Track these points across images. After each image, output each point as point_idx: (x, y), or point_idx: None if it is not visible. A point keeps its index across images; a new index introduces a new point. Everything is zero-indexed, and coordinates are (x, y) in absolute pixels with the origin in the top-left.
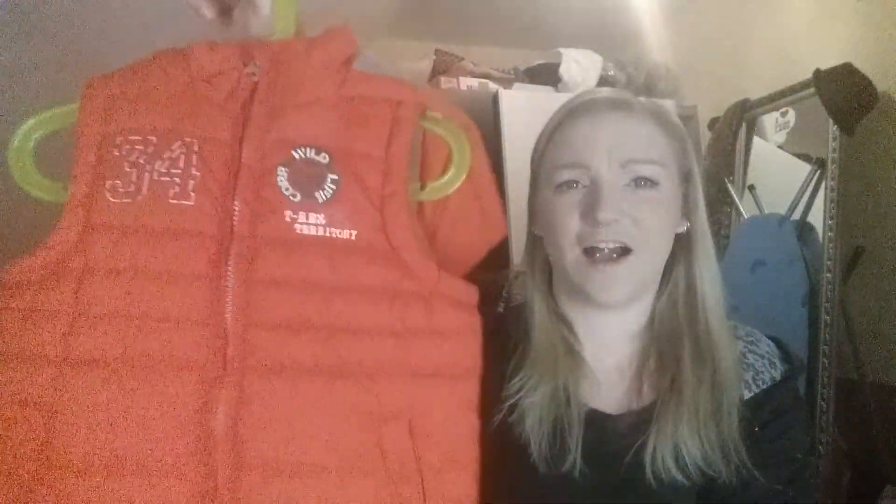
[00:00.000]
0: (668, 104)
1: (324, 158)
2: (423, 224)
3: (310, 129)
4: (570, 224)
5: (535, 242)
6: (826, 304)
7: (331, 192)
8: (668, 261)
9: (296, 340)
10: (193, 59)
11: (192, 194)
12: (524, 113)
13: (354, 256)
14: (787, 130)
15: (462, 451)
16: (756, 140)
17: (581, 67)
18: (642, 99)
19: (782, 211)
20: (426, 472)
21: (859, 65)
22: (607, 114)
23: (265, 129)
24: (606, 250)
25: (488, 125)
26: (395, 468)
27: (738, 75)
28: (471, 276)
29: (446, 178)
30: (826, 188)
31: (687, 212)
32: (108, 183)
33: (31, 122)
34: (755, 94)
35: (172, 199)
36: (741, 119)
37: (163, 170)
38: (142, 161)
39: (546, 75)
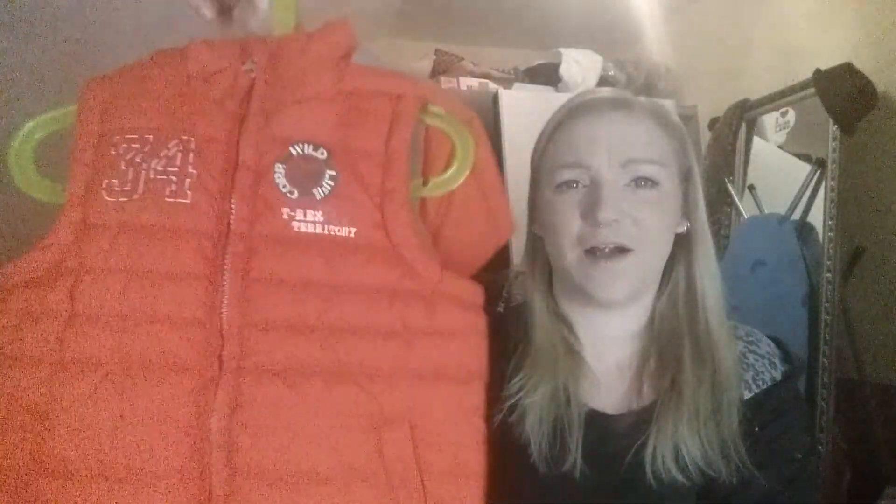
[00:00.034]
0: (668, 104)
1: (322, 154)
2: (426, 223)
3: (308, 125)
4: (570, 224)
5: (535, 242)
6: (826, 304)
7: (329, 188)
8: (668, 261)
9: (293, 341)
10: (191, 58)
11: (189, 192)
12: (524, 113)
13: (353, 254)
14: (787, 130)
15: (467, 457)
16: (756, 140)
17: (581, 67)
18: (642, 99)
19: (782, 211)
20: (428, 479)
21: (859, 65)
22: (607, 114)
23: (262, 125)
24: (607, 250)
25: (488, 125)
26: (396, 475)
27: (738, 75)
28: (471, 276)
29: (449, 173)
30: (826, 188)
31: (687, 212)
32: (105, 182)
33: (31, 123)
34: (755, 94)
35: (168, 197)
36: (741, 119)
37: (159, 168)
38: (138, 160)
39: (546, 75)
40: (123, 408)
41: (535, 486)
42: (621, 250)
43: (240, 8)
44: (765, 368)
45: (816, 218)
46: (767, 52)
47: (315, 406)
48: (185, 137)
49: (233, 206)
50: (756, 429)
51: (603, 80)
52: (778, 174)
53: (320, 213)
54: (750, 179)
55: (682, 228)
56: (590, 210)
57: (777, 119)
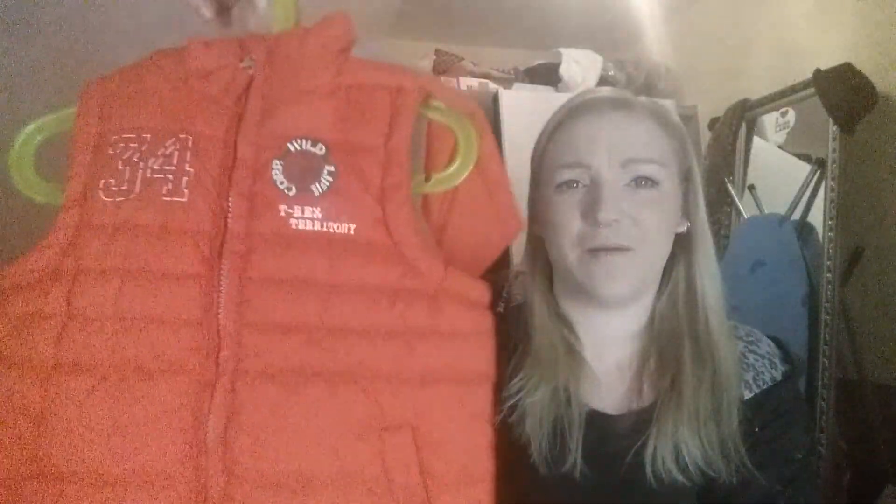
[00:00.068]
0: (668, 104)
1: (320, 150)
2: (429, 221)
3: (305, 121)
4: (570, 224)
5: (536, 242)
6: (826, 304)
7: (327, 184)
8: (668, 261)
9: (291, 342)
10: (189, 57)
11: (185, 191)
12: (524, 113)
13: (353, 252)
14: (787, 130)
15: (473, 463)
16: (756, 140)
17: (581, 67)
18: (642, 99)
19: (782, 211)
20: (433, 487)
21: (859, 65)
22: (608, 113)
23: (260, 122)
24: (608, 250)
25: None
26: (398, 482)
27: (738, 75)
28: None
29: (452, 168)
30: (826, 188)
31: (687, 212)
32: (102, 182)
33: (31, 126)
34: (755, 94)
35: (165, 196)
36: (741, 119)
37: (156, 167)
38: (135, 159)
39: (546, 75)
40: (119, 411)
41: (535, 486)
42: (622, 249)
43: (239, 7)
44: (765, 368)
45: (816, 218)
46: (767, 52)
47: (314, 409)
48: (182, 136)
49: (230, 205)
50: (756, 429)
51: (603, 80)
52: (778, 174)
53: (319, 209)
54: (750, 179)
55: (683, 228)
56: (590, 210)
57: (777, 119)
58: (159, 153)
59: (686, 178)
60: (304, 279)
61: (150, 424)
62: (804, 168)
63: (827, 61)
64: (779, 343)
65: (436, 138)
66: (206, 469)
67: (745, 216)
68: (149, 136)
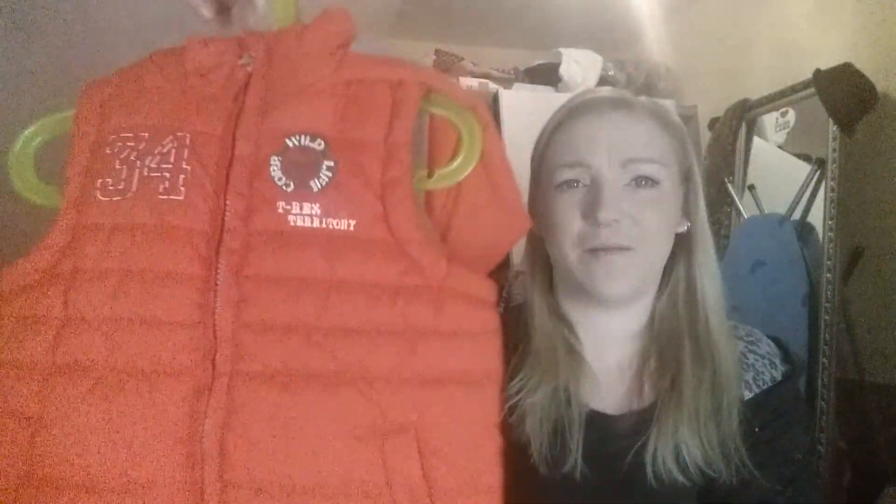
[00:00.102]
0: (668, 104)
1: (319, 145)
2: (433, 218)
3: (304, 116)
4: (570, 224)
5: (536, 242)
6: (826, 304)
7: (326, 179)
8: (668, 260)
9: (289, 343)
10: (188, 55)
11: (182, 189)
12: (524, 113)
13: (353, 249)
14: (787, 130)
15: (480, 470)
16: (756, 140)
17: (581, 67)
18: (642, 98)
19: (782, 211)
20: (438, 495)
21: (859, 65)
22: (608, 113)
23: (259, 119)
24: (608, 250)
25: None
26: (401, 490)
27: (738, 75)
28: None
29: (455, 164)
30: (826, 188)
31: (687, 211)
32: (99, 181)
33: (31, 129)
34: (755, 94)
35: (162, 194)
36: (741, 119)
37: (153, 165)
38: (132, 158)
39: (546, 75)
40: (114, 416)
41: (535, 487)
42: (622, 249)
43: (238, 6)
44: (765, 368)
45: (816, 218)
46: (767, 52)
47: (312, 413)
48: (180, 134)
49: (227, 203)
50: (756, 429)
51: (603, 80)
52: (778, 174)
53: (318, 205)
54: (750, 179)
55: (683, 228)
56: (590, 210)
57: (777, 119)
58: (156, 152)
59: (686, 177)
60: (302, 277)
61: (145, 430)
62: (804, 168)
63: (827, 61)
64: (779, 343)
65: (438, 133)
66: (202, 476)
67: (745, 216)
68: (146, 134)
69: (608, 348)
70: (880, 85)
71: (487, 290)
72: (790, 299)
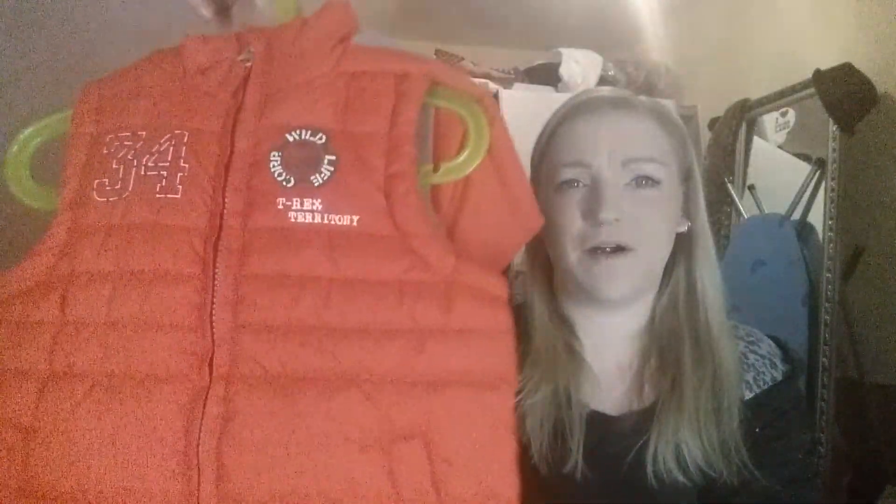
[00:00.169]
0: (668, 104)
1: (320, 139)
2: (439, 214)
3: (305, 111)
4: (571, 223)
5: (536, 242)
6: (826, 304)
7: (328, 174)
8: (668, 260)
9: (289, 344)
10: (187, 53)
11: (180, 187)
12: (524, 113)
13: (356, 245)
14: (787, 130)
15: (494, 478)
16: (756, 140)
17: (581, 67)
18: (643, 98)
19: (782, 211)
20: None
21: (859, 65)
22: (608, 113)
23: (259, 114)
24: (608, 249)
25: None
26: (410, 501)
27: (738, 75)
28: None
29: (462, 157)
30: (826, 188)
31: (687, 211)
32: (96, 182)
33: (27, 131)
34: (755, 94)
35: (159, 193)
36: (741, 119)
37: (150, 164)
38: (129, 157)
39: (546, 75)
40: (108, 424)
41: (536, 487)
42: (622, 249)
43: (238, 6)
44: (765, 369)
45: (816, 218)
46: (767, 52)
47: (313, 418)
48: (177, 132)
49: (226, 200)
50: (757, 429)
51: (603, 80)
52: (778, 174)
53: (319, 200)
54: (750, 179)
55: (683, 228)
56: (591, 209)
57: (777, 119)
58: (154, 150)
59: (686, 177)
60: (302, 275)
61: (139, 438)
62: (804, 168)
63: (827, 61)
64: (779, 343)
65: (444, 127)
66: (198, 486)
67: (745, 216)
68: (144, 133)
69: (608, 348)
70: (880, 85)
71: (499, 287)
72: (790, 299)
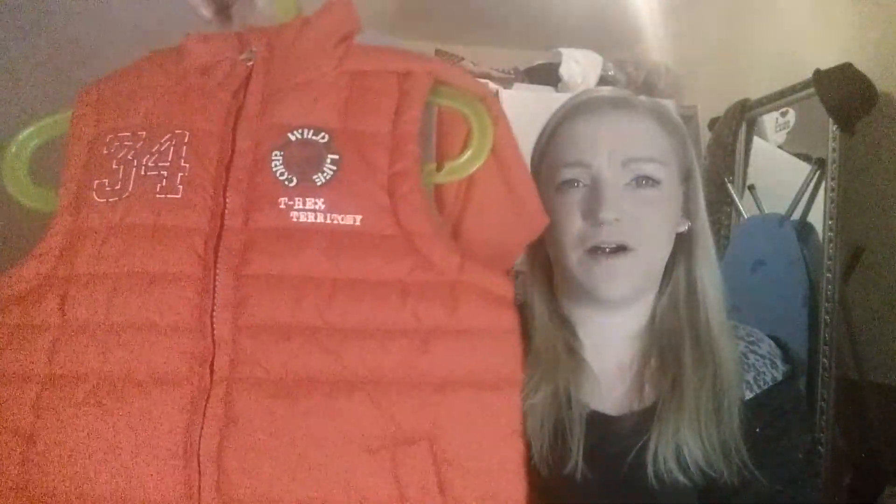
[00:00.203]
0: (668, 104)
1: (322, 138)
2: (443, 214)
3: (308, 110)
4: (571, 224)
5: (536, 242)
6: (826, 304)
7: (331, 173)
8: (668, 260)
9: (291, 346)
10: (187, 53)
11: (180, 187)
12: (524, 113)
13: (359, 244)
14: (787, 130)
15: (500, 481)
16: (756, 140)
17: (581, 67)
18: (643, 98)
19: (782, 211)
20: None
21: (859, 65)
22: (608, 112)
23: (260, 114)
24: (608, 249)
25: None
26: (415, 503)
27: (738, 75)
28: None
29: (466, 157)
30: (826, 188)
31: (687, 211)
32: (96, 182)
33: (26, 132)
34: (755, 94)
35: (159, 193)
36: (741, 119)
37: (150, 164)
38: (129, 157)
39: (546, 75)
40: (108, 428)
41: (536, 488)
42: (622, 249)
43: (238, 6)
44: (766, 369)
45: (816, 218)
46: (767, 52)
47: (316, 421)
48: (178, 132)
49: (227, 200)
50: (757, 429)
51: (603, 80)
52: (778, 174)
53: (321, 200)
54: (750, 179)
55: (683, 228)
56: (591, 209)
57: (777, 119)
58: (154, 150)
59: (686, 177)
60: (305, 275)
61: (140, 442)
62: (804, 168)
63: (827, 61)
64: (779, 343)
65: (447, 126)
66: (199, 488)
67: (745, 216)
68: (144, 133)
69: (609, 349)
70: (880, 85)
71: (504, 287)
72: (790, 299)
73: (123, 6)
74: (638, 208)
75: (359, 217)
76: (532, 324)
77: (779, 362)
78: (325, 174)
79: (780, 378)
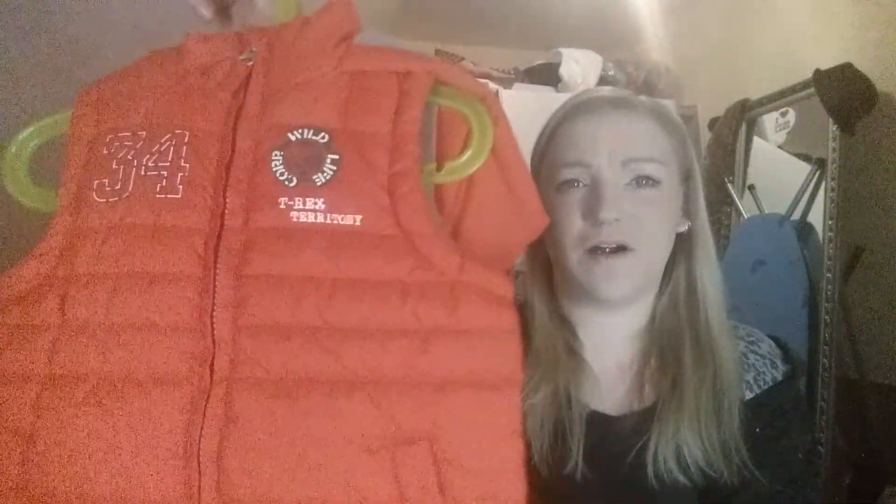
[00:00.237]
0: (668, 104)
1: (322, 138)
2: (443, 214)
3: (308, 110)
4: (571, 224)
5: (536, 242)
6: (826, 304)
7: (331, 173)
8: (668, 260)
9: (291, 346)
10: (187, 53)
11: (180, 187)
12: (524, 113)
13: (359, 245)
14: (787, 130)
15: (501, 482)
16: (756, 140)
17: (581, 67)
18: (643, 98)
19: (782, 211)
20: None
21: (859, 65)
22: (608, 112)
23: (260, 114)
24: (608, 249)
25: None
26: (415, 503)
27: (738, 75)
28: None
29: (466, 157)
30: (826, 188)
31: (688, 211)
32: (96, 182)
33: (27, 131)
34: (755, 94)
35: (159, 193)
36: (741, 119)
37: (150, 164)
38: (129, 157)
39: (546, 75)
40: (108, 428)
41: (536, 488)
42: (622, 249)
43: (238, 6)
44: (766, 369)
45: (816, 218)
46: (767, 52)
47: (316, 421)
48: (178, 132)
49: (227, 200)
50: (757, 429)
51: (603, 80)
52: (778, 174)
53: (322, 200)
54: (750, 179)
55: (683, 228)
56: (591, 209)
57: (777, 119)
58: (154, 150)
59: (687, 177)
60: (304, 275)
61: (139, 442)
62: (804, 168)
63: (827, 61)
64: (779, 343)
65: (447, 125)
66: (199, 489)
67: (745, 216)
68: (144, 133)
69: (609, 349)
70: (880, 85)
71: (505, 287)
72: (790, 299)
73: (123, 6)
74: (638, 208)
75: (359, 217)
76: (532, 324)
77: (779, 362)
78: (325, 174)
79: (780, 378)
